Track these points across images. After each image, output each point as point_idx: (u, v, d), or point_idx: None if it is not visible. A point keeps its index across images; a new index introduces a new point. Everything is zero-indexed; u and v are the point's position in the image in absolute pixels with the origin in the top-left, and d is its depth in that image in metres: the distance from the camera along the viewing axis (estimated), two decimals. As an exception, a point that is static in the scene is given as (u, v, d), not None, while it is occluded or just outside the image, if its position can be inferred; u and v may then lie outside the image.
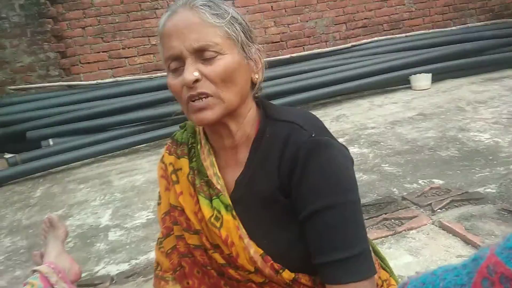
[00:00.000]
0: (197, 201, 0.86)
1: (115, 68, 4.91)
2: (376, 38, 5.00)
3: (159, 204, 0.98)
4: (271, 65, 5.16)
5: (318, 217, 0.75)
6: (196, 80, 0.76)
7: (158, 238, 1.00)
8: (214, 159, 0.88)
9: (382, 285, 0.93)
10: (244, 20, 0.83)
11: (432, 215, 2.05)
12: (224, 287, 0.88)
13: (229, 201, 0.83)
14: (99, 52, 4.87)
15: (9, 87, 4.48)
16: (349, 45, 4.88)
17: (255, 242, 0.81)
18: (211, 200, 0.85)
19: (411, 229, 1.98)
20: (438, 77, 4.44)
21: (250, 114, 0.86)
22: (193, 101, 0.78)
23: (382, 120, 3.55)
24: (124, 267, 1.94)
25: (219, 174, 0.86)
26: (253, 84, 0.85)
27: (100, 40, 4.87)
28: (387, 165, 2.73)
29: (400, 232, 1.98)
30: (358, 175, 2.65)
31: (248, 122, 0.85)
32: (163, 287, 0.96)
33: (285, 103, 4.11)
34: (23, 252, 2.23)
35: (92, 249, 2.16)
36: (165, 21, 0.79)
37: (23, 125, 3.87)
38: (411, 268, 1.78)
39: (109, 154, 3.83)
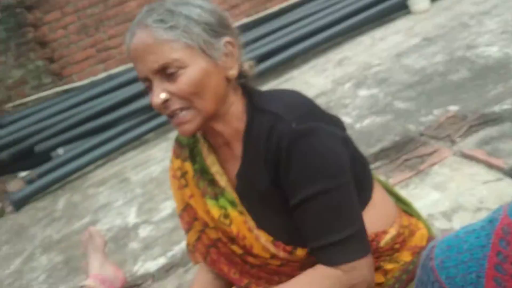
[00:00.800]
0: (205, 203, 0.90)
1: (106, 61, 4.81)
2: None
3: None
4: (260, 21, 4.99)
5: (306, 204, 0.77)
6: (166, 100, 0.77)
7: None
8: (214, 157, 0.90)
9: (403, 233, 0.92)
10: (206, 13, 0.78)
11: (453, 145, 2.00)
12: (251, 269, 0.92)
13: (233, 197, 0.86)
14: (86, 49, 4.76)
15: (6, 106, 4.45)
16: (336, -19, 4.64)
17: (264, 230, 0.85)
18: (217, 200, 0.88)
19: (434, 164, 1.94)
20: (435, -6, 4.20)
21: (234, 109, 0.84)
22: (171, 117, 0.80)
23: (387, 54, 3.42)
24: (162, 261, 1.97)
25: (221, 171, 0.88)
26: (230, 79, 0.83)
27: (84, 36, 4.74)
28: (399, 101, 2.64)
29: (423, 170, 1.94)
30: (371, 118, 2.60)
31: (233, 117, 0.84)
32: (198, 258, 1.02)
33: (284, 58, 3.98)
34: (62, 267, 2.29)
35: (127, 250, 2.19)
36: (128, 44, 0.80)
37: (29, 140, 3.87)
38: (440, 205, 1.75)
39: (120, 151, 3.82)
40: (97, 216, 2.73)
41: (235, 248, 0.90)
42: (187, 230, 0.99)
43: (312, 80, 3.54)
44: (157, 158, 3.31)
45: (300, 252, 0.84)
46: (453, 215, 1.67)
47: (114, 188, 3.11)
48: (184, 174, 0.94)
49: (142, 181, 3.00)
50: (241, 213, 0.86)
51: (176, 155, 0.98)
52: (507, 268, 0.40)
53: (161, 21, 0.76)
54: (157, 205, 2.56)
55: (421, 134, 2.20)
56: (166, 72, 0.76)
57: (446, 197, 1.77)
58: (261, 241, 0.85)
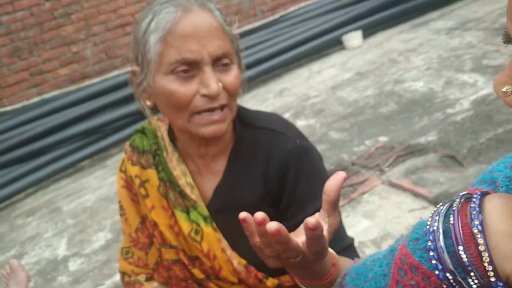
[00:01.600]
0: (172, 215, 0.82)
1: (39, 85, 4.60)
2: (302, 4, 4.98)
3: (122, 215, 0.91)
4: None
5: None
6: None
7: (122, 248, 0.94)
8: (185, 167, 0.82)
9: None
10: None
11: (381, 175, 2.11)
12: None
13: (207, 212, 0.80)
14: (18, 72, 4.53)
15: None
16: (277, 16, 4.84)
17: (238, 252, 0.80)
18: (188, 213, 0.81)
19: (364, 193, 2.04)
20: (369, 32, 4.50)
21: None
22: (208, 111, 0.72)
23: (323, 87, 3.58)
24: (91, 296, 1.88)
25: (192, 184, 0.81)
26: None
27: (17, 59, 4.52)
28: (334, 131, 2.77)
29: (355, 198, 2.02)
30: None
31: (229, 129, 0.81)
32: None
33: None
34: (-22, 307, 2.09)
35: (55, 284, 2.09)
36: (175, 19, 0.69)
37: (-48, 166, 3.58)
38: (370, 233, 1.84)
39: (52, 178, 3.61)
40: (25, 248, 2.55)
41: (195, 271, 0.83)
42: (146, 249, 0.88)
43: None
44: (92, 186, 3.17)
45: (270, 283, 0.81)
46: (382, 243, 1.76)
47: (44, 218, 2.92)
48: (144, 183, 0.84)
49: (74, 211, 2.85)
50: (215, 230, 0.80)
51: (132, 162, 0.86)
52: None
53: (219, 11, 0.74)
54: (89, 236, 2.45)
55: (353, 164, 2.31)
56: (221, 63, 0.72)
57: (376, 225, 1.86)
58: (233, 264, 0.79)
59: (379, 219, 1.88)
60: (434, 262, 0.38)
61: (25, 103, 4.18)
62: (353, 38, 4.23)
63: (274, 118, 0.85)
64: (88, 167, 3.64)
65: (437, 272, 0.38)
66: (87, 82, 4.29)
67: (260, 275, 0.80)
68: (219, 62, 0.71)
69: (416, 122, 2.52)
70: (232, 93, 0.74)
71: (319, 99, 3.34)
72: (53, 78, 4.61)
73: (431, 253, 0.38)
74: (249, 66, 4.18)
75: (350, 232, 1.57)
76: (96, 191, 3.03)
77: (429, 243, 0.39)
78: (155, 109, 0.80)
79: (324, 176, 0.78)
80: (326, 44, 4.41)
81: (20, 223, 3.00)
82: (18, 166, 3.58)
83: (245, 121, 0.82)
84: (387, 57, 3.72)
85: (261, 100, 3.73)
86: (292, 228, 0.76)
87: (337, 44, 4.41)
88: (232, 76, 0.73)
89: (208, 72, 0.70)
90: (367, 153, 2.34)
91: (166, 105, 0.74)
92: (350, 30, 4.32)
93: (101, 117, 3.80)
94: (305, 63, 4.35)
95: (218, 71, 0.71)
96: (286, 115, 3.23)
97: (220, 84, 0.71)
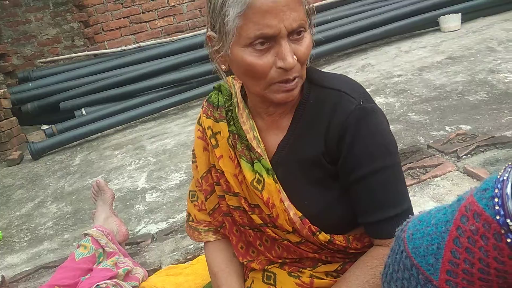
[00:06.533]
0: (238, 164, 0.88)
1: (137, 33, 4.94)
2: (401, -21, 4.75)
3: (193, 162, 1.02)
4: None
5: (371, 178, 0.78)
6: None
7: (190, 191, 1.06)
8: (253, 123, 0.88)
9: None
10: None
11: (457, 161, 2.05)
12: (258, 247, 0.94)
13: (269, 165, 0.85)
14: (120, 19, 4.90)
15: (38, 61, 4.62)
16: (373, -12, 4.67)
17: (295, 204, 0.84)
18: (252, 164, 0.86)
19: (436, 176, 2.00)
20: (468, 16, 4.21)
21: None
22: (284, 82, 0.76)
23: (409, 67, 3.47)
24: (163, 225, 2.07)
25: (259, 138, 0.86)
26: None
27: (120, 6, 4.88)
28: (413, 113, 2.70)
29: (425, 180, 2.00)
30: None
31: None
32: (197, 237, 1.03)
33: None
34: (69, 217, 2.42)
35: (132, 211, 2.31)
36: None
37: (56, 96, 4.03)
38: (436, 215, 1.82)
39: (140, 120, 3.96)
40: (110, 176, 2.86)
41: (254, 217, 0.88)
42: (208, 195, 0.97)
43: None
44: (174, 132, 3.42)
45: (323, 237, 0.84)
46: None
47: (129, 153, 3.23)
48: (215, 134, 0.91)
49: (156, 151, 3.11)
50: (275, 181, 0.84)
51: (207, 115, 0.94)
52: (463, 242, 0.44)
53: None
54: (166, 175, 2.66)
55: (429, 147, 2.26)
56: (296, 33, 0.73)
57: (442, 208, 1.84)
58: (290, 214, 0.83)
59: (447, 203, 1.85)
60: (497, 208, 0.40)
61: (123, 48, 4.52)
62: (451, 21, 3.99)
63: (341, 78, 0.86)
64: (171, 114, 3.91)
65: (498, 218, 0.40)
66: (180, 36, 4.52)
67: (314, 228, 0.83)
68: (294, 33, 0.73)
69: (505, 115, 2.38)
70: (303, 62, 0.76)
71: (403, 79, 3.24)
72: (150, 28, 4.92)
73: (496, 200, 0.41)
74: (334, 39, 4.13)
75: (414, 211, 1.57)
76: (176, 137, 3.27)
77: (496, 191, 0.41)
78: (229, 72, 0.84)
79: (386, 138, 0.79)
80: (421, 23, 4.21)
81: (108, 154, 3.35)
82: (112, 104, 3.94)
83: (312, 80, 0.84)
84: (485, 44, 3.48)
85: (342, 73, 3.70)
86: (345, 187, 0.82)
87: (432, 25, 4.19)
88: (305, 46, 0.74)
89: (285, 45, 0.72)
90: (446, 138, 2.28)
91: (243, 74, 0.78)
92: (449, 12, 4.07)
93: (189, 70, 4.02)
94: (394, 41, 4.20)
95: (293, 42, 0.73)
96: (366, 91, 3.20)
97: (295, 57, 0.73)
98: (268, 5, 0.70)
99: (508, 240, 0.40)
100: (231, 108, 0.91)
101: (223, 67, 0.82)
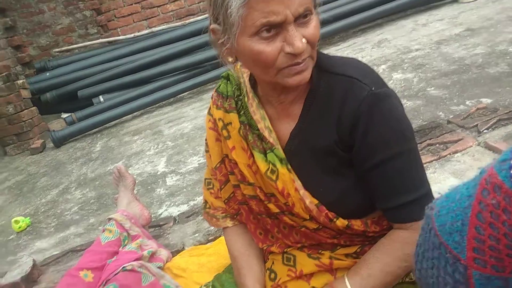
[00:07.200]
0: (251, 155, 0.88)
1: (149, 18, 4.94)
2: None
3: (207, 151, 1.02)
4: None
5: (387, 164, 0.77)
6: None
7: (205, 179, 1.07)
8: (264, 112, 0.87)
9: None
10: None
11: (478, 136, 2.02)
12: (276, 234, 0.95)
13: (283, 155, 0.84)
14: (131, 4, 4.89)
15: (54, 50, 4.68)
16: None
17: (310, 192, 0.84)
18: (265, 154, 0.86)
19: (456, 152, 1.97)
20: (488, -15, 4.07)
21: None
22: (294, 65, 0.74)
23: (427, 41, 3.38)
24: (184, 208, 2.11)
25: (270, 127, 0.85)
26: None
27: (131, -9, 4.87)
28: (432, 88, 2.65)
29: (445, 156, 1.98)
30: (402, 102, 2.62)
31: None
32: (215, 223, 1.05)
33: (323, 33, 3.96)
34: (93, 202, 2.48)
35: (154, 194, 2.35)
36: None
37: (73, 85, 4.09)
38: (456, 191, 1.80)
39: (156, 105, 3.99)
40: (130, 162, 2.91)
41: (271, 206, 0.88)
42: (222, 184, 0.98)
43: (348, 59, 3.56)
44: (190, 116, 3.45)
45: (340, 223, 0.84)
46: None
47: (148, 138, 3.28)
48: (227, 125, 0.91)
49: (174, 135, 3.15)
50: (289, 171, 0.84)
51: (217, 106, 0.94)
52: (486, 217, 0.42)
53: None
54: (185, 158, 2.70)
55: (449, 122, 2.22)
56: (302, 17, 0.71)
57: (463, 183, 1.81)
58: (306, 202, 0.83)
59: (468, 179, 1.83)
60: None
61: (136, 34, 4.53)
62: (470, -10, 3.87)
63: (352, 64, 0.84)
64: (187, 98, 3.92)
65: None
66: (192, 19, 4.50)
67: (331, 214, 0.83)
68: (300, 17, 0.71)
69: (528, 87, 2.32)
70: (313, 44, 0.74)
71: (421, 53, 3.17)
72: (161, 13, 4.91)
73: None
74: (347, 15, 4.05)
75: (434, 188, 1.56)
76: (193, 121, 3.29)
77: None
78: (235, 63, 0.82)
79: (401, 123, 0.77)
80: (438, -5, 4.09)
81: (127, 140, 3.40)
82: (128, 90, 3.98)
83: (322, 67, 0.82)
84: (505, 14, 3.37)
85: (357, 50, 3.65)
86: (361, 174, 0.81)
87: (450, -4, 4.07)
88: (313, 27, 0.72)
89: (292, 31, 0.70)
90: (466, 113, 2.24)
91: (252, 63, 0.76)
92: (468, -18, 3.94)
93: (202, 53, 4.01)
94: (410, 14, 4.10)
95: (299, 26, 0.71)
96: (382, 67, 3.15)
97: (304, 40, 0.71)
98: None
99: None
100: (241, 98, 0.90)
101: (230, 59, 0.80)
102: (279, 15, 0.68)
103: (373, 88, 0.77)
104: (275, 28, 0.70)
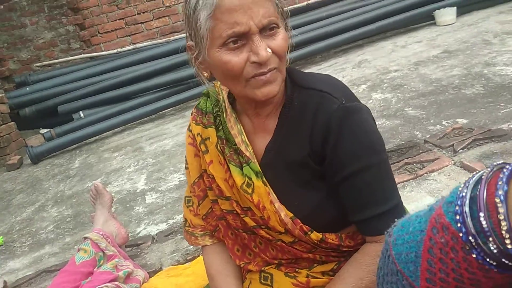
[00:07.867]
0: (228, 169, 0.89)
1: (133, 34, 4.94)
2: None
3: (186, 168, 1.03)
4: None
5: (356, 177, 0.78)
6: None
7: (185, 197, 1.08)
8: (241, 127, 0.89)
9: None
10: None
11: (454, 156, 2.06)
12: (254, 249, 0.96)
13: (258, 168, 0.86)
14: (115, 20, 4.90)
15: (35, 65, 4.62)
16: (367, -16, 4.68)
17: (285, 205, 0.85)
18: (241, 168, 0.87)
19: (433, 171, 2.01)
20: (464, 9, 4.22)
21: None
22: (261, 75, 0.76)
23: (406, 62, 3.47)
24: (163, 226, 2.08)
25: (247, 142, 0.88)
26: None
27: (115, 7, 4.88)
28: (410, 108, 2.71)
29: (422, 175, 2.01)
30: (380, 121, 2.67)
31: (281, 90, 0.84)
32: (194, 241, 1.05)
33: (305, 53, 4.06)
34: (70, 220, 2.43)
35: (132, 213, 2.32)
36: None
37: (54, 100, 4.04)
38: (433, 209, 1.83)
39: (138, 121, 3.96)
40: (109, 179, 2.87)
41: (247, 220, 0.89)
42: (200, 200, 0.99)
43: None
44: (172, 132, 3.43)
45: (315, 236, 0.85)
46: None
47: (128, 155, 3.24)
48: (205, 140, 0.93)
49: (154, 152, 3.12)
50: (265, 184, 0.85)
51: (196, 121, 0.96)
52: (436, 252, 0.45)
53: None
54: (165, 176, 2.67)
55: (425, 142, 2.27)
56: (268, 29, 0.74)
57: (439, 202, 1.84)
58: (281, 215, 0.84)
59: (425, 209, 1.85)
60: (459, 225, 0.41)
61: (119, 50, 4.52)
62: (446, 14, 4.00)
63: (324, 79, 0.87)
64: (169, 115, 3.91)
65: (461, 234, 0.41)
66: (176, 36, 4.53)
67: (305, 227, 0.85)
68: (266, 29, 0.74)
69: (502, 108, 2.39)
70: (281, 56, 0.77)
71: (400, 74, 3.25)
72: (146, 29, 4.92)
73: (457, 217, 0.41)
74: (331, 35, 4.14)
75: (411, 206, 1.57)
76: (174, 137, 3.28)
77: (457, 208, 0.41)
78: (212, 79, 0.86)
79: (370, 136, 0.79)
80: (416, 18, 4.22)
81: (107, 156, 3.36)
82: (110, 106, 3.95)
83: (295, 82, 0.85)
84: (480, 37, 3.49)
85: (338, 70, 3.71)
86: (332, 186, 0.82)
87: (428, 19, 4.19)
88: (279, 39, 0.75)
89: (257, 41, 0.73)
90: (442, 133, 2.29)
91: (222, 75, 0.79)
92: (444, 6, 4.08)
93: (186, 70, 4.02)
94: (390, 36, 4.21)
95: (266, 37, 0.74)
96: (362, 87, 3.21)
97: (269, 50, 0.74)
98: (235, 3, 0.71)
99: (474, 256, 0.40)
100: (219, 113, 0.92)
101: (205, 74, 0.83)
102: (243, 25, 0.72)
103: (343, 102, 0.79)
104: (241, 39, 0.73)
